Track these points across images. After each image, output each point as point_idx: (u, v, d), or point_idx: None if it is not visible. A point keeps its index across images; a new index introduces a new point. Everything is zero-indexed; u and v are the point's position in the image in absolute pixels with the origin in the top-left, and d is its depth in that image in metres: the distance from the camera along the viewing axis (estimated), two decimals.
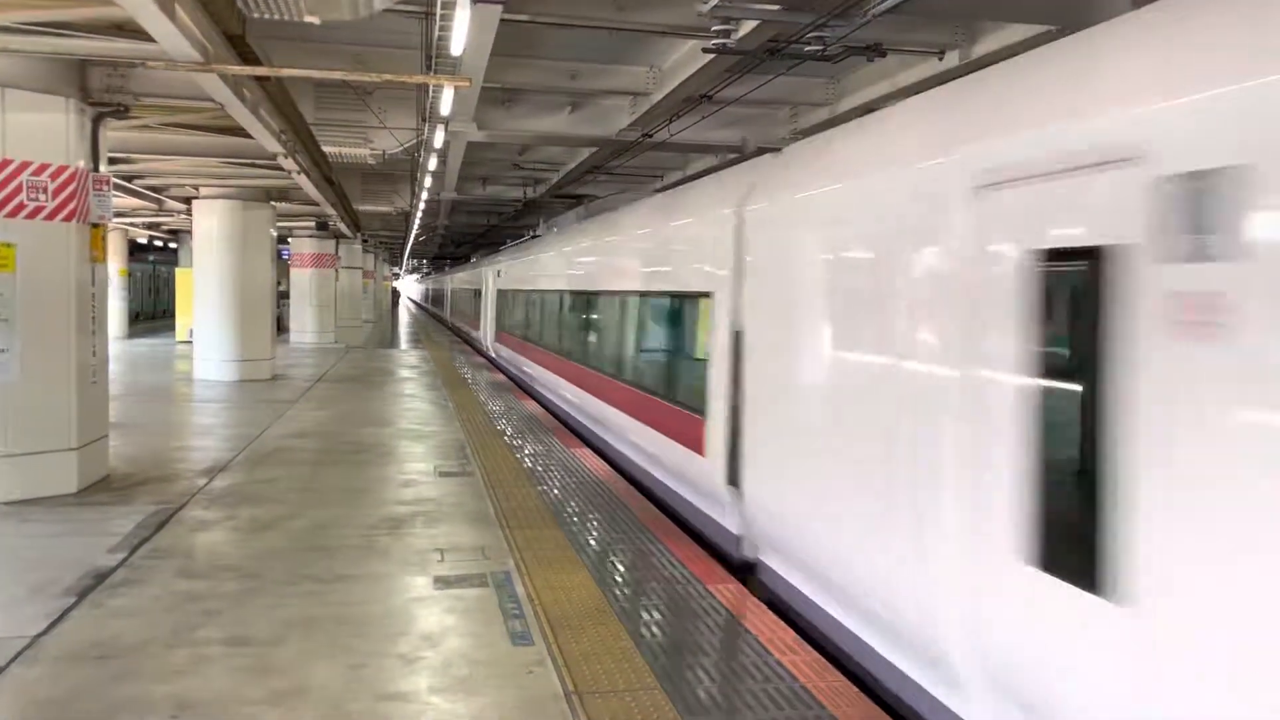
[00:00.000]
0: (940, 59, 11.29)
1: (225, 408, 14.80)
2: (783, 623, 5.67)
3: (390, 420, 13.64)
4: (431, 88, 11.16)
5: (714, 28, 9.41)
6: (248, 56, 9.09)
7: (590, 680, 4.75)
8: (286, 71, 9.55)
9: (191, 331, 19.95)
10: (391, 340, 34.70)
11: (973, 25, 11.00)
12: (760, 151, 8.21)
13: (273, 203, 19.10)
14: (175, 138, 13.67)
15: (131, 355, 24.38)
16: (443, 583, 6.27)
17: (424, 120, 13.52)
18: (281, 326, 26.73)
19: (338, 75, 9.75)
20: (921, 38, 11.05)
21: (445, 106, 11.50)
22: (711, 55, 10.06)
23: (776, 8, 8.75)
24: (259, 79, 9.99)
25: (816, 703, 4.57)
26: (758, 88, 12.39)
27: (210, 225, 18.23)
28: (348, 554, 6.89)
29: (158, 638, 5.20)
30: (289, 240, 29.87)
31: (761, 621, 5.64)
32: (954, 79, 5.26)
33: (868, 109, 11.84)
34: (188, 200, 19.68)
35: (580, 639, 5.30)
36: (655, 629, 5.50)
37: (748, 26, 9.32)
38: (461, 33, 8.40)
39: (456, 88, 10.29)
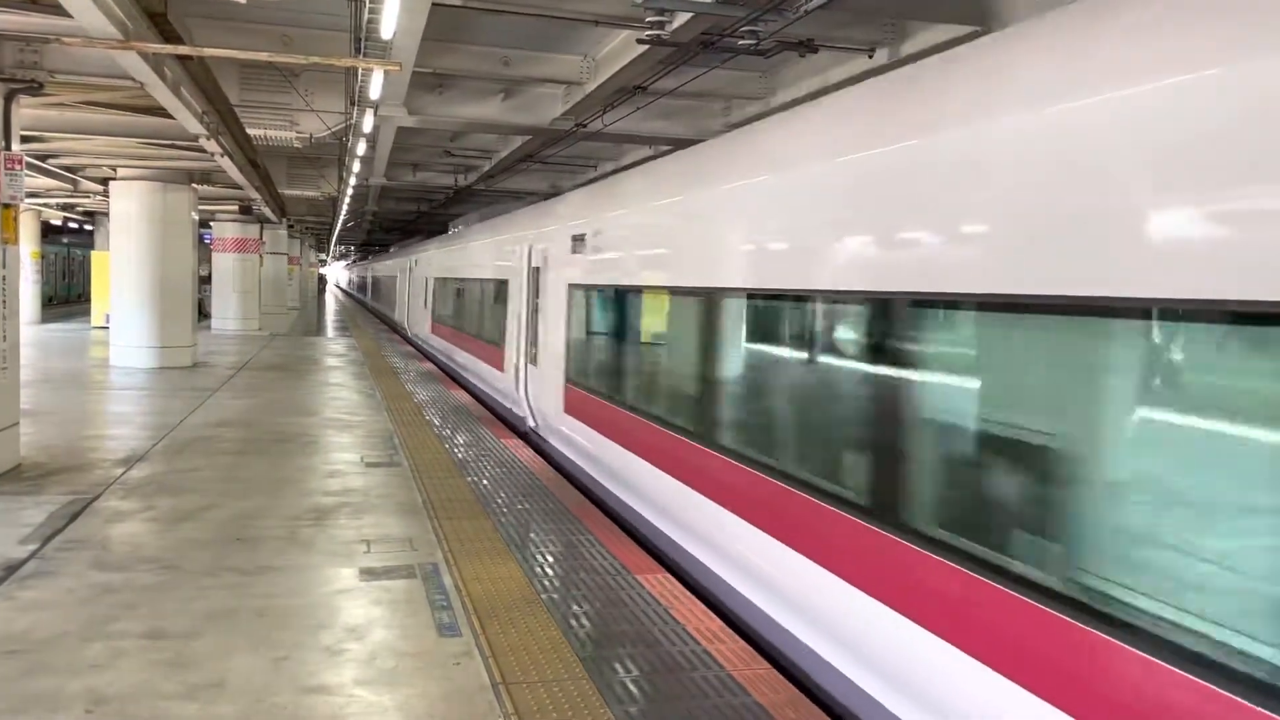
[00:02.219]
0: (870, 56, 11.44)
1: (143, 395, 14.41)
2: (710, 612, 5.71)
3: (316, 409, 13.42)
4: (361, 71, 10.98)
5: (648, 19, 9.42)
6: (169, 34, 8.84)
7: (518, 671, 4.74)
8: (210, 51, 9.31)
9: (108, 316, 19.37)
10: (317, 328, 34.11)
11: (902, 24, 11.16)
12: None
13: (194, 185, 18.61)
14: (92, 117, 13.24)
15: (44, 340, 23.59)
16: (369, 574, 6.20)
17: (352, 104, 13.29)
18: (203, 312, 26.10)
19: (264, 56, 9.54)
20: (852, 35, 11.19)
21: (375, 90, 11.32)
22: (646, 46, 10.06)
23: (711, 0, 8.78)
24: (181, 58, 9.73)
25: (742, 690, 4.61)
26: (692, 80, 12.43)
27: (129, 208, 17.70)
28: (271, 545, 6.76)
29: (71, 631, 5.05)
30: (211, 224, 29.18)
31: (689, 611, 5.68)
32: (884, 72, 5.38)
33: (801, 103, 12.03)
34: (105, 181, 19.10)
35: (508, 630, 5.28)
36: (584, 619, 5.50)
37: (682, 19, 9.35)
38: (392, 15, 8.28)
39: (387, 72, 10.13)
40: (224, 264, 29.25)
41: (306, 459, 9.88)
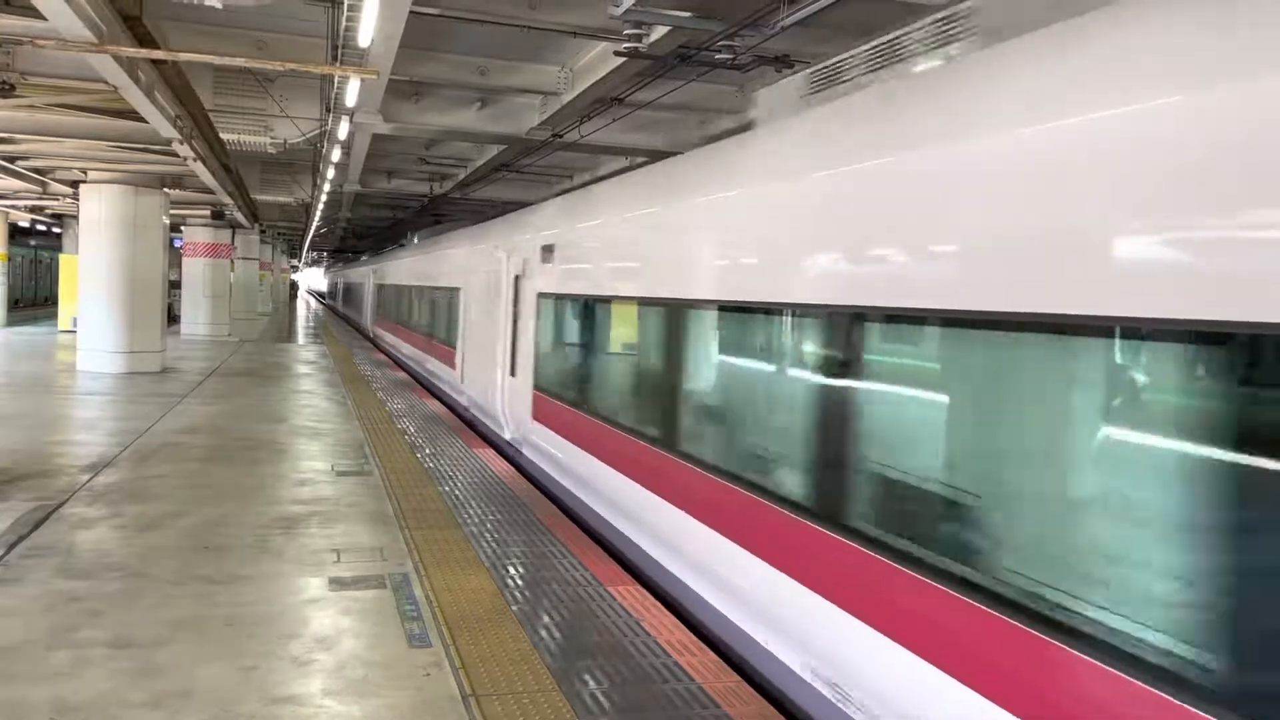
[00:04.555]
0: None
1: (111, 401, 14.25)
2: (682, 625, 5.72)
3: (286, 417, 13.32)
4: (337, 78, 10.95)
5: (626, 31, 9.46)
6: (144, 38, 8.79)
7: (488, 682, 4.73)
8: (185, 55, 9.26)
9: (75, 320, 19.14)
10: (289, 334, 33.87)
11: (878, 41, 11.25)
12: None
13: (166, 189, 18.46)
14: (64, 119, 13.12)
15: (9, 343, 23.29)
16: (338, 584, 6.16)
17: (328, 110, 13.25)
18: (172, 317, 25.85)
19: (239, 61, 9.50)
20: (829, 50, 11.26)
21: (351, 97, 11.29)
22: (623, 59, 10.10)
23: (688, 15, 8.84)
24: (155, 62, 9.67)
25: (713, 702, 4.62)
26: (669, 93, 12.49)
27: (98, 211, 17.51)
28: (239, 554, 6.71)
29: (35, 639, 4.98)
30: (182, 229, 28.92)
31: (660, 623, 5.69)
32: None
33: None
34: (75, 184, 18.90)
35: (479, 641, 5.26)
36: (555, 630, 5.50)
37: (660, 32, 9.39)
38: (370, 23, 8.27)
39: (363, 79, 10.11)
40: (194, 269, 29.01)
41: (276, 467, 9.80)
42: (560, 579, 6.47)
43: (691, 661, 5.12)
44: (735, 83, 13.54)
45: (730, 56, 9.77)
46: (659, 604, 6.07)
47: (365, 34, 8.55)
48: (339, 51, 9.68)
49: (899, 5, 8.31)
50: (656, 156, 14.98)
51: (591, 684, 4.78)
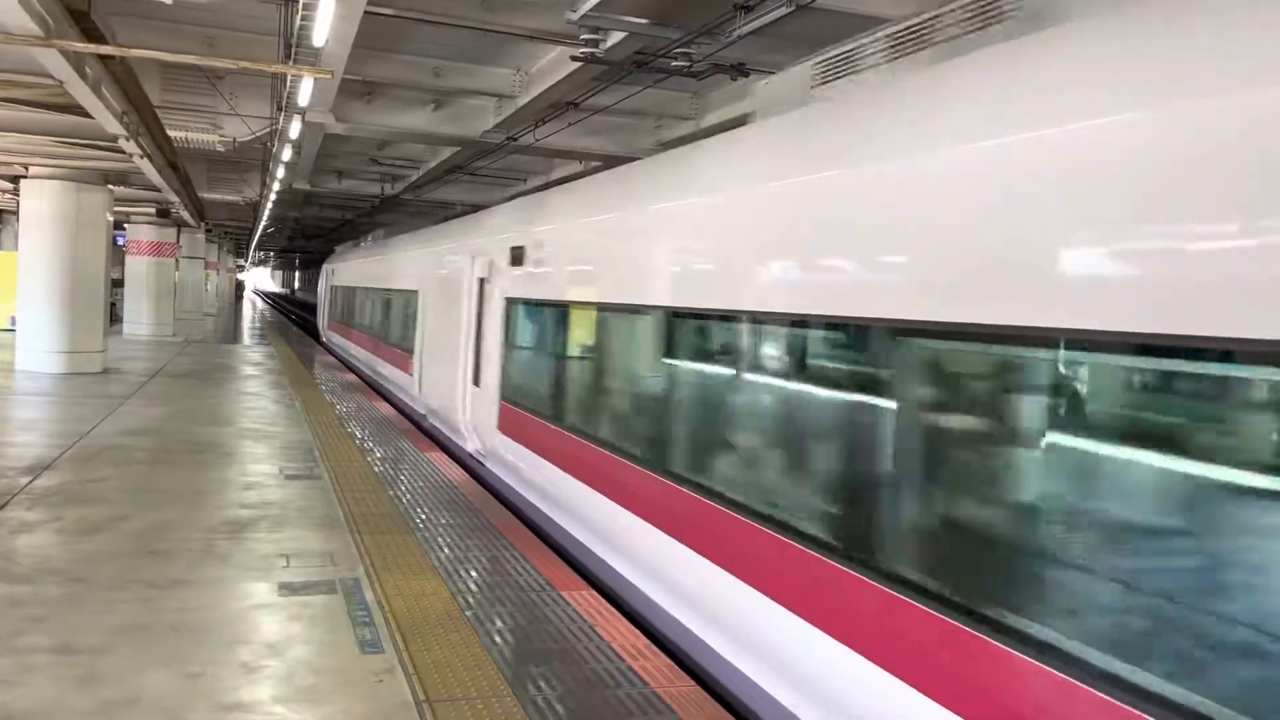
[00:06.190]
0: None
1: (50, 402, 13.93)
2: (636, 629, 5.74)
3: (232, 419, 13.12)
4: (289, 77, 10.83)
5: (582, 36, 9.48)
6: (91, 33, 8.62)
7: (441, 688, 4.70)
8: (134, 52, 9.11)
9: (13, 319, 18.66)
10: (234, 335, 33.35)
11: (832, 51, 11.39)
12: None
13: (110, 186, 18.08)
14: (6, 113, 12.80)
15: None
16: (288, 589, 6.08)
17: (279, 109, 13.09)
18: (114, 317, 25.32)
19: (191, 59, 9.36)
20: (783, 60, 11.37)
21: (303, 97, 11.17)
22: (579, 63, 10.12)
23: (645, 22, 8.88)
24: (103, 57, 9.49)
25: (667, 708, 4.65)
26: (625, 99, 12.53)
27: (39, 207, 17.07)
28: (185, 558, 6.60)
29: None
30: (125, 226, 28.36)
31: (615, 628, 5.70)
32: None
33: (732, 125, 12.13)
34: (15, 179, 18.45)
35: (431, 646, 5.23)
36: (508, 635, 5.48)
37: (616, 37, 9.43)
38: (325, 23, 8.19)
39: (317, 79, 10.02)
40: (138, 267, 28.42)
41: (223, 470, 9.65)
42: (514, 583, 6.46)
43: (645, 666, 5.14)
44: (691, 89, 13.64)
45: (686, 64, 9.84)
46: (613, 609, 6.08)
47: (320, 33, 8.48)
48: (292, 50, 9.58)
49: (850, 17, 8.43)
50: (610, 161, 15.01)
51: (545, 689, 4.77)
